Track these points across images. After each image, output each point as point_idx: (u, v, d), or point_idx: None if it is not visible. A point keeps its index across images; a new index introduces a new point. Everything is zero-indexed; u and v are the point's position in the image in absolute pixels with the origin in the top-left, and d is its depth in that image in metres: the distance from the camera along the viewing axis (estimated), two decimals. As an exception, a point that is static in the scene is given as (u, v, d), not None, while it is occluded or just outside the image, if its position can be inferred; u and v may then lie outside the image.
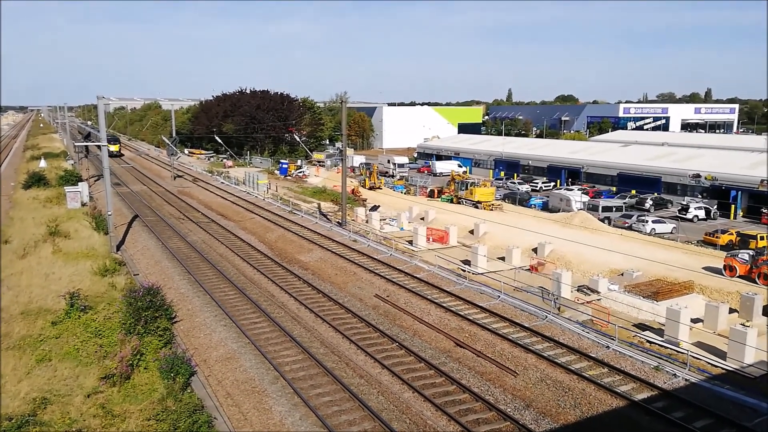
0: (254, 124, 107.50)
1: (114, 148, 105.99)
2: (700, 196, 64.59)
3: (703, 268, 36.48)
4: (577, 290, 33.28)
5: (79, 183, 58.69)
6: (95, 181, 72.25)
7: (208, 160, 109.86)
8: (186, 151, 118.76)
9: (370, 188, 70.62)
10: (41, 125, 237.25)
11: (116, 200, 56.90)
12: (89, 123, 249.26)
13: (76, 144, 73.88)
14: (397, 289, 31.53)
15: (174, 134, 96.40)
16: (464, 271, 36.47)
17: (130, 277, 33.25)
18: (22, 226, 42.65)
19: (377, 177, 72.63)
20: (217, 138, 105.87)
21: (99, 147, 41.28)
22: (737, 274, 34.77)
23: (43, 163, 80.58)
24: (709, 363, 23.66)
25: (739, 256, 35.54)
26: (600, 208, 56.55)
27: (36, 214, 47.35)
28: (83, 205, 52.49)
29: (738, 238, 44.78)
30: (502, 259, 39.40)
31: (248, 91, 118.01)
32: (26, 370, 20.67)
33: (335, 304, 29.92)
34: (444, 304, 28.94)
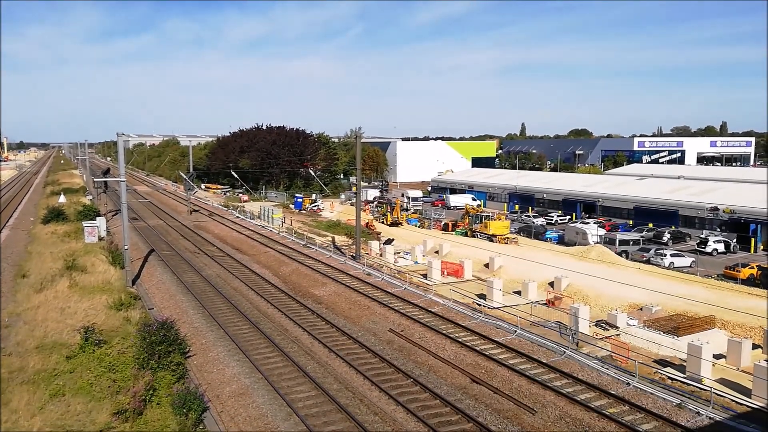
0: (270, 159, 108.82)
1: None
2: (718, 230, 63.77)
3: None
4: (596, 325, 32.73)
5: (97, 218, 59.46)
6: (113, 215, 73.14)
7: (224, 194, 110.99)
8: (203, 186, 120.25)
9: (393, 224, 69.08)
10: (62, 161, 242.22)
11: (133, 234, 57.46)
12: (108, 159, 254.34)
13: (95, 179, 75.18)
14: (411, 323, 31.18)
15: (191, 170, 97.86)
16: (480, 305, 36.07)
17: (145, 311, 33.31)
18: (39, 261, 43.13)
19: (399, 212, 70.79)
20: (233, 173, 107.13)
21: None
22: None
23: (62, 199, 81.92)
24: (733, 400, 22.96)
25: None
26: (617, 242, 55.99)
27: (54, 248, 47.90)
28: (100, 239, 53.05)
29: (759, 272, 43.98)
30: (518, 293, 38.98)
31: (264, 127, 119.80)
32: (40, 405, 20.61)
33: (349, 339, 29.62)
34: (459, 339, 28.53)
